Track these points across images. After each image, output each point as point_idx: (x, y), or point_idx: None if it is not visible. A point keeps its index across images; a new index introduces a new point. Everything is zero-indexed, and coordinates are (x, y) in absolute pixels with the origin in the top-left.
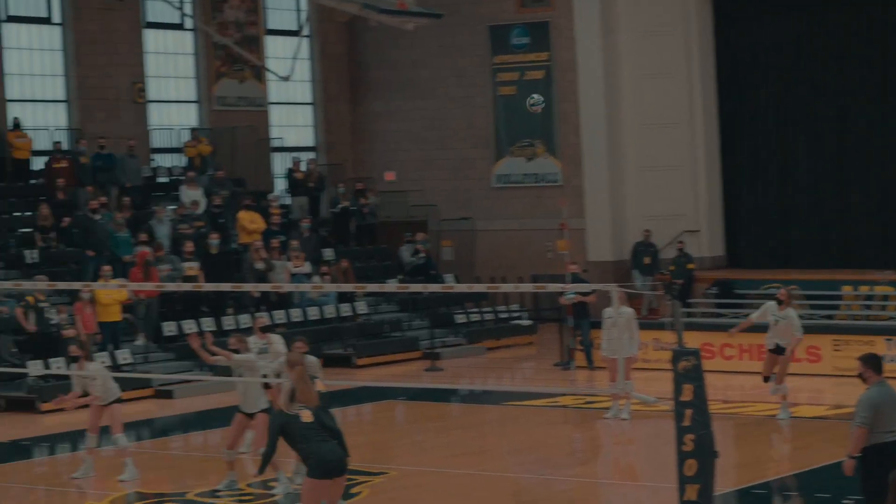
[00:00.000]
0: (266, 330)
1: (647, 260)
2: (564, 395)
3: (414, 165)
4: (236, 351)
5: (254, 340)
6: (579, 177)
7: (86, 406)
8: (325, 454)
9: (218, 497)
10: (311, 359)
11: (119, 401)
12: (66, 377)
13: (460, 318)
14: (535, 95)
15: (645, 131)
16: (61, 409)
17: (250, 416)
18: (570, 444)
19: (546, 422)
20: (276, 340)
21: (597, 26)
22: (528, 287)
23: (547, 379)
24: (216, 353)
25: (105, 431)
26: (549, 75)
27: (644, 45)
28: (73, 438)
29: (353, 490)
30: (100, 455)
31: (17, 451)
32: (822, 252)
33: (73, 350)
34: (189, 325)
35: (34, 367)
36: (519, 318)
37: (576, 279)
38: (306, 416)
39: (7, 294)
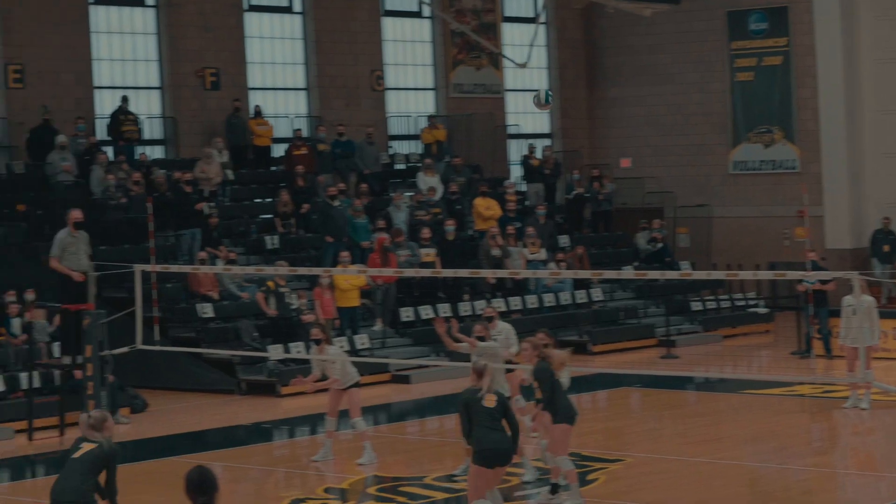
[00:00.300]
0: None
1: (886, 248)
2: (802, 383)
3: (650, 152)
4: (481, 338)
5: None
6: (817, 163)
7: (324, 390)
8: (489, 442)
9: (455, 481)
10: (560, 353)
11: (357, 385)
12: (306, 361)
13: (696, 306)
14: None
15: (884, 117)
16: (301, 393)
17: None
18: (808, 434)
19: (783, 411)
20: (505, 329)
21: (836, 10)
22: (767, 274)
23: (784, 367)
24: (460, 340)
25: (343, 415)
26: (787, 61)
27: (884, 29)
28: (313, 422)
29: (590, 477)
30: (338, 438)
31: (258, 433)
32: None
33: (315, 333)
34: (426, 311)
35: (274, 352)
36: (756, 306)
37: (815, 267)
38: (490, 400)
39: (248, 279)
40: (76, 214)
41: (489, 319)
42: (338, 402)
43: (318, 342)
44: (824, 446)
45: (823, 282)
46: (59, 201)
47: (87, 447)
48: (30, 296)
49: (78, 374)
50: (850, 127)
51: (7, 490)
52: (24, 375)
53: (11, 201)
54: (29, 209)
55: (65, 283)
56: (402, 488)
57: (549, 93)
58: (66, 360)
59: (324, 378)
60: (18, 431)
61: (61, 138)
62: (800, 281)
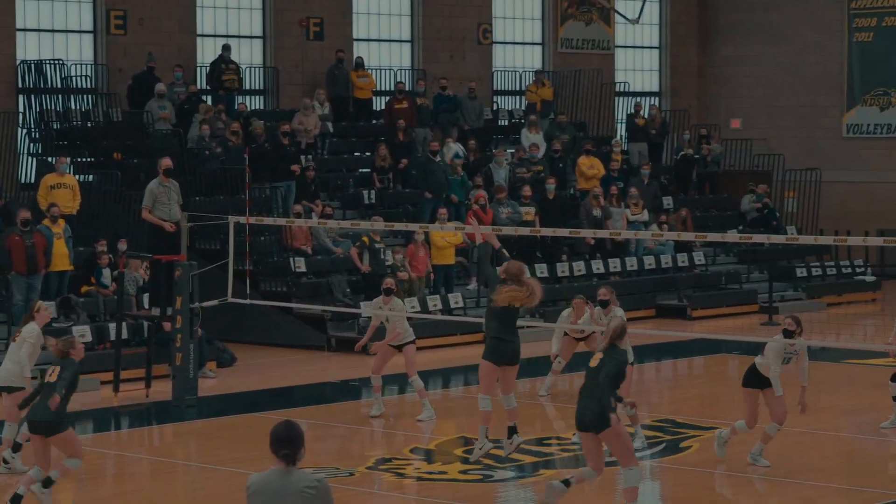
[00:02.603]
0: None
1: None
2: None
3: (761, 113)
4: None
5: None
6: None
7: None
8: (580, 407)
9: (546, 445)
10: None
11: (412, 342)
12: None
13: (801, 272)
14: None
15: None
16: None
17: None
18: None
19: (884, 382)
20: (619, 313)
21: None
22: (876, 241)
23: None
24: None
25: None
26: None
27: None
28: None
29: (683, 444)
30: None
31: (346, 391)
32: None
33: (388, 283)
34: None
35: (366, 308)
36: (863, 273)
37: None
38: (594, 360)
39: (343, 234)
40: (166, 162)
41: (604, 304)
42: (386, 360)
43: (388, 292)
44: None
45: None
46: (155, 150)
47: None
48: (122, 246)
49: (167, 326)
50: None
51: (91, 442)
52: (112, 326)
53: (108, 149)
54: (125, 158)
55: (156, 233)
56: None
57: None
58: (156, 311)
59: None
60: (104, 383)
61: (160, 86)
62: None
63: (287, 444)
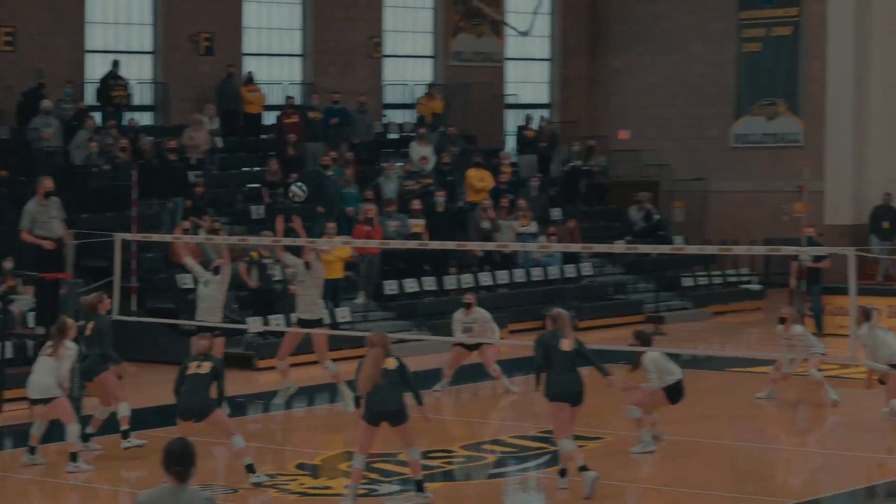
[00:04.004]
0: (468, 306)
1: (885, 224)
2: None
3: (650, 123)
4: None
5: (460, 313)
6: (821, 137)
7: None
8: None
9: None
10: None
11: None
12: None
13: (687, 282)
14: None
15: (893, 91)
16: (272, 368)
17: None
18: (793, 413)
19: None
20: (481, 317)
21: None
22: (760, 249)
23: (774, 345)
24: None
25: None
26: (797, 31)
27: None
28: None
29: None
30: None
31: (233, 407)
32: None
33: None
34: (410, 285)
35: (253, 324)
36: (748, 282)
37: (811, 242)
38: (565, 344)
39: (232, 250)
40: (47, 184)
41: (467, 306)
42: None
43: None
44: (807, 426)
45: (817, 259)
46: (41, 169)
47: None
48: (8, 264)
49: None
50: (857, 100)
51: None
52: None
53: None
54: (12, 176)
55: (42, 252)
56: (375, 465)
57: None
58: (41, 330)
59: None
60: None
61: (46, 103)
62: (794, 257)
63: (180, 461)
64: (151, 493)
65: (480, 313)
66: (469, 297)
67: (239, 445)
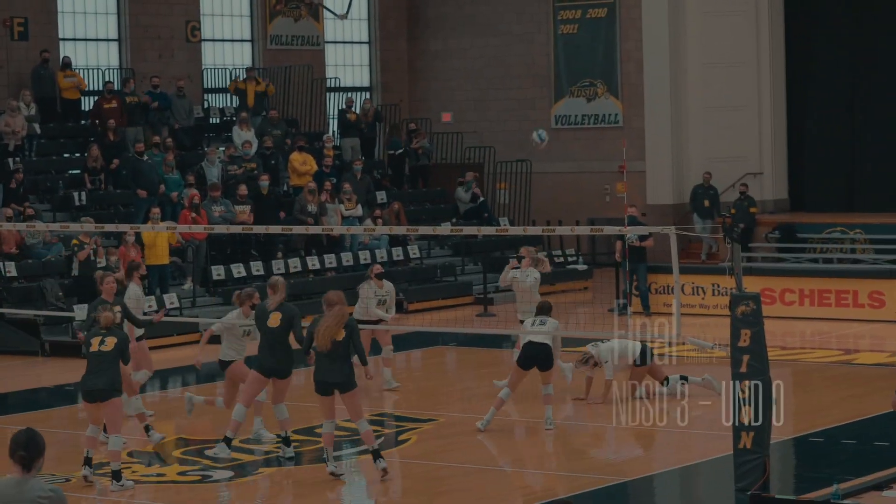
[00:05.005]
0: (380, 277)
1: (706, 203)
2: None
3: (471, 106)
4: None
5: (369, 286)
6: (640, 118)
7: None
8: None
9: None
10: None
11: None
12: None
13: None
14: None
15: (709, 70)
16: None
17: None
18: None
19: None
20: (391, 289)
21: None
22: (583, 230)
23: (602, 324)
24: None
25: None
26: (612, 13)
27: None
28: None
29: (402, 437)
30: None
31: (62, 396)
32: (888, 195)
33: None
34: (238, 269)
35: (80, 311)
36: (575, 262)
37: (633, 222)
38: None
39: (57, 237)
40: None
41: (378, 276)
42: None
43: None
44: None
45: (642, 238)
46: None
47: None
48: None
49: None
50: (674, 81)
51: None
52: None
53: None
54: None
55: None
56: (208, 451)
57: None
58: None
59: None
60: None
61: None
62: (619, 237)
63: (24, 447)
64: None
65: (390, 286)
66: (377, 268)
67: (115, 446)
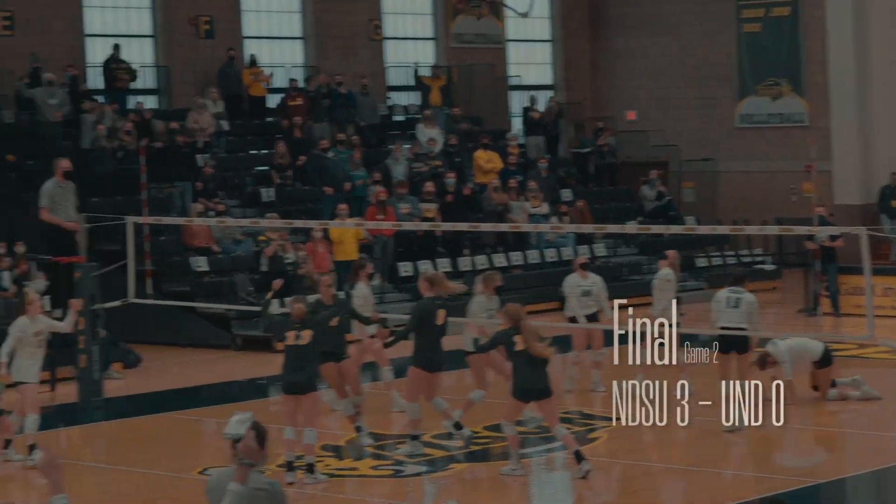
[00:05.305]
0: (584, 268)
1: (894, 203)
2: None
3: (655, 104)
4: None
5: (575, 279)
6: (826, 117)
7: None
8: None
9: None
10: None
11: None
12: None
13: (701, 262)
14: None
15: (895, 69)
16: None
17: None
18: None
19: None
20: (598, 282)
21: None
22: (773, 229)
23: (791, 325)
24: None
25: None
26: (795, 12)
27: None
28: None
29: (592, 435)
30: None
31: (253, 389)
32: None
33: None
34: (425, 266)
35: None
36: (762, 262)
37: (823, 222)
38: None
39: (246, 233)
40: (65, 164)
41: (583, 267)
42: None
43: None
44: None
45: (832, 238)
46: (49, 151)
47: None
48: (20, 248)
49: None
50: (859, 79)
51: None
52: None
53: (1, 151)
54: (19, 159)
55: (55, 235)
56: (400, 445)
57: None
58: (57, 314)
59: None
60: (9, 386)
61: (48, 75)
62: (808, 237)
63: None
64: (220, 472)
65: (596, 278)
66: (582, 259)
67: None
